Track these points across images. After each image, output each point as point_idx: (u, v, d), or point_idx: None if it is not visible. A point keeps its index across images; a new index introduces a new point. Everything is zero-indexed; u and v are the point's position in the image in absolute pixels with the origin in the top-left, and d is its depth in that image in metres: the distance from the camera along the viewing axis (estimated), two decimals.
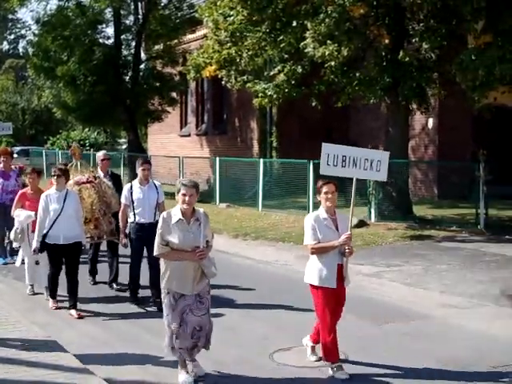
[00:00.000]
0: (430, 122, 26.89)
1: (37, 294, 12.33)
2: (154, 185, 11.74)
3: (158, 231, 7.63)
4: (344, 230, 8.10)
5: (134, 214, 11.48)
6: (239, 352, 8.94)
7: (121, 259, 12.94)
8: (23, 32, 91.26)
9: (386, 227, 19.78)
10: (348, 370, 8.04)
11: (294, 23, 19.50)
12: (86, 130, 54.07)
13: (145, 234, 11.18)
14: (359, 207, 22.18)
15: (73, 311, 10.87)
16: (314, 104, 21.11)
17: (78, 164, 12.92)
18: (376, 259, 15.78)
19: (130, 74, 35.82)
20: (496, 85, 17.78)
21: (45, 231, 10.82)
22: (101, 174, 12.98)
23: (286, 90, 20.52)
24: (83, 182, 12.12)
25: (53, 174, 10.97)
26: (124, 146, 51.63)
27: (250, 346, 9.20)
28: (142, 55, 36.67)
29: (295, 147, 28.99)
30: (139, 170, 11.64)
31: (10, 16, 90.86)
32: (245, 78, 22.18)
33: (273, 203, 24.48)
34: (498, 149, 24.53)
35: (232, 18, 20.77)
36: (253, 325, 10.36)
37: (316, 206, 24.28)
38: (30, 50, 37.77)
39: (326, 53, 18.39)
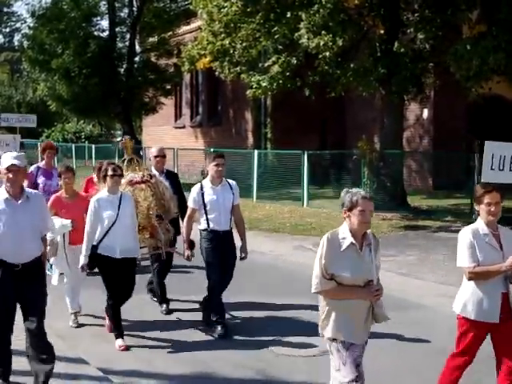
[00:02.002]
0: (425, 112, 26.88)
1: (84, 325, 9.91)
2: (229, 184, 9.65)
3: (320, 260, 5.75)
4: (510, 249, 6.34)
5: (207, 220, 9.42)
6: (238, 342, 8.97)
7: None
8: (18, 25, 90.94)
9: (380, 218, 19.78)
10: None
11: (289, 14, 19.44)
12: (81, 122, 53.99)
13: (219, 243, 9.39)
14: None
15: (119, 341, 8.88)
16: (308, 95, 21.09)
17: (128, 160, 10.76)
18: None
19: (124, 66, 35.88)
20: (490, 75, 17.78)
21: (95, 242, 8.84)
22: (155, 172, 10.61)
23: (281, 82, 20.50)
24: (137, 182, 9.84)
25: (111, 173, 8.85)
26: (119, 139, 51.55)
27: (249, 336, 9.23)
28: (137, 47, 36.71)
29: (289, 138, 28.97)
30: (211, 167, 9.48)
31: (5, 9, 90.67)
32: (238, 69, 22.15)
33: (267, 194, 24.48)
34: (493, 139, 24.51)
35: (226, 9, 20.73)
36: (250, 315, 10.39)
37: (311, 196, 24.44)
38: (25, 43, 37.73)
39: (321, 43, 18.36)
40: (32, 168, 13.15)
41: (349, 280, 5.73)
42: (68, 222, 9.52)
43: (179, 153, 30.71)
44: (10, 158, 6.88)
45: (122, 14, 36.82)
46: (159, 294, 10.72)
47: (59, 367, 7.50)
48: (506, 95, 25.92)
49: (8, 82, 67.89)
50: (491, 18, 18.04)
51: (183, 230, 9.69)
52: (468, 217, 19.66)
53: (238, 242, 9.74)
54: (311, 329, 8.34)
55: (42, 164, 13.38)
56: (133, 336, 9.23)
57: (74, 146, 43.25)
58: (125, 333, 9.04)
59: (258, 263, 14.89)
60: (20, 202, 6.82)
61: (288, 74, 20.53)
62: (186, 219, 9.62)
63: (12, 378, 7.13)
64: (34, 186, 12.54)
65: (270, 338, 9.07)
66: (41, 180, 13.05)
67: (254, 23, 20.57)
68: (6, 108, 63.89)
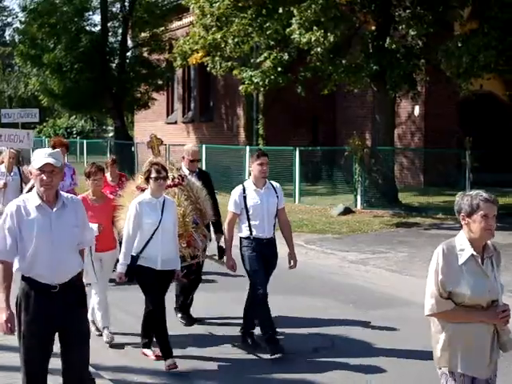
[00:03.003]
0: (417, 109, 26.93)
1: (120, 344, 8.97)
2: (272, 186, 8.69)
3: (436, 276, 4.90)
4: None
5: (250, 227, 8.50)
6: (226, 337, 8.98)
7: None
8: (10, 20, 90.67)
9: (371, 214, 19.85)
10: (333, 356, 8.08)
11: (280, 9, 19.45)
12: (73, 117, 53.90)
13: (262, 251, 8.50)
14: (345, 194, 22.29)
15: (147, 350, 8.41)
16: (299, 91, 21.11)
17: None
18: (361, 246, 15.82)
19: (116, 61, 35.79)
20: (480, 72, 17.84)
21: (134, 252, 7.98)
22: (185, 171, 9.68)
23: (273, 77, 20.51)
24: (169, 186, 8.71)
25: (155, 175, 7.94)
26: (111, 134, 51.48)
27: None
28: (129, 42, 36.62)
29: (281, 135, 29.01)
30: (254, 166, 8.52)
31: None
32: (229, 64, 22.15)
33: None
34: (484, 136, 24.60)
35: (218, 3, 20.71)
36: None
37: (303, 193, 24.42)
38: (17, 38, 37.64)
39: (312, 39, 18.37)
40: None
41: (470, 299, 4.81)
42: (95, 226, 8.43)
43: (171, 149, 30.67)
44: (43, 155, 5.65)
45: (114, 9, 36.66)
46: (184, 304, 9.83)
47: (50, 363, 7.49)
48: (497, 92, 26.02)
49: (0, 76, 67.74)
50: (482, 15, 18.10)
51: (225, 236, 8.75)
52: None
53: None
54: (308, 324, 8.38)
55: None
56: (126, 334, 9.23)
57: None
58: (118, 330, 9.04)
59: None
60: (55, 209, 5.62)
61: (280, 69, 20.54)
62: (226, 225, 8.69)
63: None
64: None
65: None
66: None
67: (246, 18, 20.57)
68: None
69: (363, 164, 21.11)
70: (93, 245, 8.15)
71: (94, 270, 8.81)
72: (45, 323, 5.60)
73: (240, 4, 20.34)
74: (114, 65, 35.94)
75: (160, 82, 36.00)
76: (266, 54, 20.82)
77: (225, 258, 8.86)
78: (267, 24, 20.00)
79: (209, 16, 21.30)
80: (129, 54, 36.94)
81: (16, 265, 5.64)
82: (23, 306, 5.63)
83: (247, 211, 8.49)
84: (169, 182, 8.62)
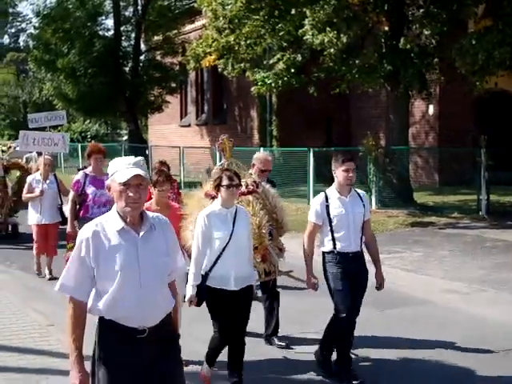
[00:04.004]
0: (431, 108, 26.86)
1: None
2: (358, 194, 7.70)
3: None
4: None
5: (333, 240, 7.51)
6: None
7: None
8: (24, 26, 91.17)
9: (386, 214, 19.79)
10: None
11: (293, 11, 19.45)
12: (87, 121, 54.11)
13: (347, 269, 7.48)
14: None
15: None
16: (312, 92, 21.09)
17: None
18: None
19: (129, 65, 35.96)
20: (495, 69, 17.77)
21: (203, 271, 6.98)
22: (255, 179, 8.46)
23: (286, 78, 20.52)
24: (242, 193, 7.80)
25: (227, 182, 6.92)
26: (125, 138, 51.64)
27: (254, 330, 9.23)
28: (142, 46, 36.81)
29: (295, 136, 28.99)
30: (339, 172, 7.50)
31: (11, 10, 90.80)
32: (242, 65, 22.18)
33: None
34: (499, 134, 24.51)
35: (230, 5, 20.75)
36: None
37: (317, 194, 24.25)
38: (31, 44, 37.84)
39: (325, 40, 18.37)
40: (79, 176, 11.21)
41: None
42: None
43: (185, 151, 30.74)
44: (126, 165, 4.49)
45: (126, 13, 36.90)
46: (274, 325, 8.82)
47: (57, 362, 7.53)
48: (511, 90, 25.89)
49: (14, 82, 68.18)
50: (497, 12, 18.03)
51: (305, 251, 7.66)
52: (475, 212, 19.67)
53: None
54: (323, 323, 8.34)
55: (89, 170, 11.14)
56: None
57: (80, 145, 43.28)
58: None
59: None
60: (142, 233, 4.48)
61: (293, 70, 20.55)
62: (306, 238, 7.64)
63: None
64: (84, 197, 10.95)
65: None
66: (90, 190, 10.93)
67: (259, 20, 20.59)
68: (12, 108, 64.18)
69: (378, 164, 21.07)
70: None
71: None
72: (131, 376, 4.46)
73: (252, 6, 20.36)
74: (128, 68, 36.11)
75: (173, 85, 36.13)
76: (279, 56, 20.84)
77: (304, 275, 7.76)
78: (280, 25, 20.02)
79: (221, 19, 21.34)
80: (142, 57, 37.10)
81: (92, 305, 4.51)
82: (101, 358, 4.47)
83: (330, 222, 7.51)
84: (242, 189, 7.66)
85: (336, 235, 7.48)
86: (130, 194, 4.40)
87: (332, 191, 7.61)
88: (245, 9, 20.55)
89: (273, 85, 20.80)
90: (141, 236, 4.47)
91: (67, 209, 11.35)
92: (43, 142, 13.29)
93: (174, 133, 39.56)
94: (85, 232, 4.47)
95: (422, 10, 19.56)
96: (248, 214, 7.37)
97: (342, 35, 18.46)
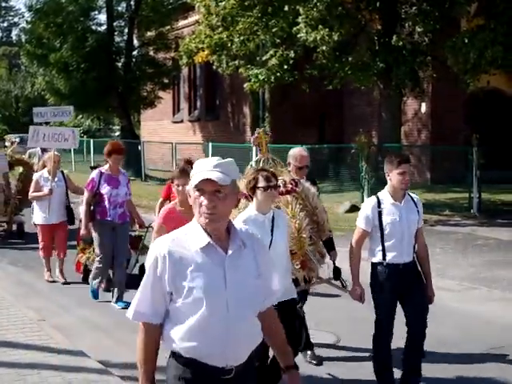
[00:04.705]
0: (423, 106, 26.90)
1: (84, 318, 9.63)
2: (412, 199, 7.04)
3: None
4: None
5: (384, 250, 6.87)
6: None
7: None
8: (16, 20, 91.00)
9: None
10: (340, 352, 8.09)
11: (286, 8, 19.47)
12: (79, 116, 53.99)
13: (399, 281, 6.86)
14: (352, 192, 22.27)
15: None
16: (305, 89, 21.11)
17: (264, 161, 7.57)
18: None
19: (122, 60, 35.92)
20: (487, 68, 17.83)
21: None
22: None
23: (278, 74, 20.53)
24: (281, 193, 6.95)
25: (264, 184, 6.17)
26: (117, 133, 51.58)
27: None
28: (135, 42, 36.73)
29: (288, 133, 28.97)
30: (394, 175, 6.90)
31: (3, 4, 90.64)
32: (236, 62, 22.18)
33: None
34: (491, 133, 24.57)
35: (224, 2, 20.75)
36: None
37: None
38: (23, 38, 37.74)
39: (318, 37, 18.39)
40: (93, 174, 10.57)
41: None
42: None
43: (177, 147, 30.73)
44: (206, 167, 3.64)
45: (119, 8, 36.85)
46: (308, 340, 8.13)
47: (59, 360, 7.55)
48: (504, 88, 25.98)
49: (6, 76, 67.97)
50: (489, 11, 18.09)
51: (351, 259, 7.10)
52: (466, 210, 19.72)
53: None
54: (318, 321, 8.37)
55: (105, 168, 10.58)
56: (133, 329, 9.26)
57: None
58: (125, 324, 9.07)
59: None
60: (230, 252, 3.69)
61: (286, 67, 20.56)
62: (353, 245, 7.05)
63: None
64: (99, 197, 10.40)
65: None
66: (105, 190, 10.38)
67: (252, 17, 20.60)
68: (4, 103, 64.00)
69: (370, 161, 21.09)
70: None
71: None
72: None
73: (246, 3, 20.36)
74: (120, 64, 36.08)
75: (166, 81, 36.10)
76: (271, 52, 20.85)
77: (349, 285, 7.25)
78: (273, 21, 20.04)
79: (214, 16, 21.33)
80: (135, 52, 37.06)
81: (165, 336, 3.82)
82: None
83: (382, 230, 6.85)
84: (280, 188, 6.90)
85: (387, 244, 6.83)
86: (203, 203, 3.60)
87: (385, 195, 6.93)
88: (238, 6, 20.55)
89: (265, 80, 20.79)
90: (229, 255, 3.67)
91: (82, 210, 10.76)
92: (53, 138, 12.78)
93: (166, 128, 39.53)
94: (159, 248, 3.69)
95: (414, 8, 19.61)
96: (286, 216, 6.75)
97: (334, 33, 18.49)
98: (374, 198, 6.99)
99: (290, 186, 7.13)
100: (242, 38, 20.90)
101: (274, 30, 20.07)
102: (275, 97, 29.84)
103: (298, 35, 19.04)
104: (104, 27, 36.21)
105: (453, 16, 19.32)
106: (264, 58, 21.52)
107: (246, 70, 21.66)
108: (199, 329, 3.64)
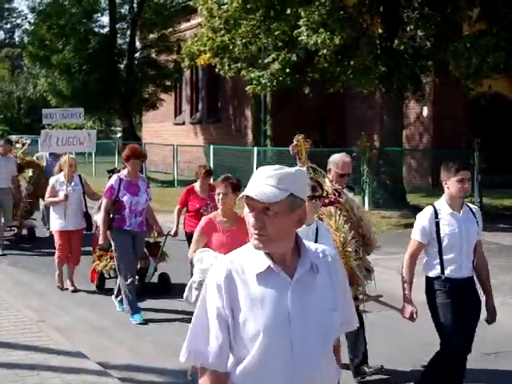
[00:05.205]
0: (425, 110, 26.90)
1: (84, 319, 9.81)
2: (470, 209, 6.56)
3: None
4: None
5: (442, 264, 6.38)
6: None
7: None
8: (19, 21, 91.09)
9: (379, 215, 19.80)
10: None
11: (288, 11, 19.49)
12: (81, 118, 54.06)
13: (456, 297, 6.35)
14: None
15: None
16: (307, 92, 21.12)
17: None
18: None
19: (124, 62, 35.92)
20: (489, 73, 17.83)
21: None
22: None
23: (281, 78, 20.53)
24: (323, 204, 6.54)
25: (309, 193, 5.55)
26: (119, 135, 51.57)
27: None
28: (137, 44, 36.77)
29: (289, 136, 28.79)
30: (452, 182, 6.36)
31: (6, 5, 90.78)
32: (238, 65, 22.20)
33: None
34: (492, 137, 24.56)
35: (226, 5, 20.78)
36: None
37: None
38: (26, 39, 37.78)
39: (319, 41, 18.40)
40: (112, 180, 9.98)
41: None
42: None
43: (179, 149, 30.76)
44: (260, 178, 3.09)
45: (122, 11, 36.94)
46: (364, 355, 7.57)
47: (58, 361, 7.54)
48: (505, 93, 25.98)
49: (8, 77, 68.04)
50: (491, 16, 18.10)
51: (404, 273, 6.52)
52: None
53: None
54: None
55: (124, 174, 9.99)
56: (133, 331, 9.27)
57: None
58: (124, 326, 9.08)
59: None
60: (297, 276, 3.07)
61: (288, 70, 20.56)
62: (408, 258, 6.53)
63: None
64: (118, 205, 9.82)
65: None
66: (125, 198, 9.80)
67: (254, 20, 20.61)
68: (6, 104, 64.03)
69: (371, 165, 21.09)
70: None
71: None
72: None
73: (248, 6, 20.38)
74: (123, 66, 36.08)
75: (168, 83, 36.12)
76: (274, 55, 20.85)
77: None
78: (275, 25, 20.05)
79: (217, 18, 21.36)
80: (137, 55, 37.10)
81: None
82: None
83: (439, 242, 6.36)
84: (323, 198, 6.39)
85: (445, 257, 6.35)
86: (250, 221, 3.04)
87: (442, 205, 6.43)
88: (241, 9, 20.58)
89: (268, 84, 20.80)
90: (295, 280, 3.05)
91: (99, 218, 10.29)
92: (67, 142, 12.10)
93: (168, 131, 39.53)
94: (216, 274, 3.11)
95: (416, 12, 19.62)
96: (330, 231, 6.34)
97: (335, 36, 18.49)
98: (430, 208, 6.45)
99: (333, 196, 6.70)
100: (244, 40, 20.91)
101: (276, 33, 20.08)
102: (277, 100, 29.84)
103: (299, 38, 19.05)
104: (106, 29, 36.31)
105: (455, 21, 19.33)
106: (266, 61, 21.53)
107: (247, 72, 21.67)
108: (258, 369, 3.02)
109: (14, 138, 20.73)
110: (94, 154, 38.23)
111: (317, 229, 5.97)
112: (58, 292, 11.52)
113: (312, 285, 3.07)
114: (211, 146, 28.20)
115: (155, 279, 11.08)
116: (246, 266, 3.07)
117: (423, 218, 6.42)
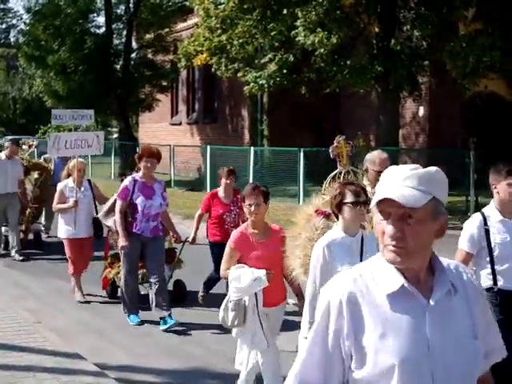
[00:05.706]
0: (421, 110, 26.90)
1: (81, 321, 9.67)
2: None
3: None
4: None
5: (494, 274, 5.93)
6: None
7: None
8: (14, 21, 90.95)
9: None
10: None
11: (285, 11, 19.51)
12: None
13: (509, 311, 5.81)
14: None
15: None
16: (303, 92, 21.14)
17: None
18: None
19: (121, 62, 35.90)
20: (485, 72, 17.87)
21: None
22: (367, 188, 6.37)
23: (278, 79, 20.55)
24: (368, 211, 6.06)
25: (352, 199, 5.39)
26: (115, 135, 51.53)
27: None
28: (133, 44, 36.72)
29: (286, 136, 29.00)
30: (502, 186, 5.92)
31: (1, 5, 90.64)
32: (235, 65, 22.21)
33: None
34: (488, 136, 24.57)
35: (223, 5, 20.79)
36: None
37: (307, 193, 24.35)
38: (21, 40, 37.71)
39: (316, 40, 18.43)
40: (127, 181, 9.58)
41: None
42: (261, 272, 6.12)
43: (175, 150, 30.75)
44: (392, 179, 2.57)
45: (118, 11, 36.88)
46: None
47: (55, 362, 7.53)
48: (501, 93, 25.98)
49: (4, 78, 67.95)
50: (487, 15, 18.13)
51: None
52: (464, 214, 19.70)
53: None
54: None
55: (139, 175, 9.59)
56: (129, 332, 9.26)
57: None
58: (121, 327, 9.07)
59: None
60: (434, 300, 2.56)
61: (285, 71, 20.58)
62: None
63: None
64: (132, 208, 9.46)
65: None
66: (139, 200, 9.40)
67: (251, 20, 20.63)
68: (1, 104, 63.98)
69: None
70: (260, 297, 6.26)
71: (263, 330, 6.26)
72: None
73: (245, 6, 20.39)
74: (119, 66, 36.06)
75: (164, 84, 36.09)
76: (270, 56, 20.87)
77: None
78: (271, 25, 20.07)
79: (214, 18, 21.36)
80: (133, 55, 37.06)
81: None
82: None
83: (490, 251, 5.90)
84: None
85: (498, 268, 5.87)
86: (386, 230, 2.53)
87: (491, 211, 5.98)
88: (237, 9, 20.59)
89: (265, 85, 20.82)
90: (432, 303, 2.55)
91: (110, 222, 9.94)
92: (76, 145, 11.46)
93: (164, 131, 39.50)
94: (334, 291, 2.62)
95: (412, 12, 19.66)
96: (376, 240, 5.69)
97: (332, 36, 18.52)
98: (478, 215, 6.02)
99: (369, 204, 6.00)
100: (240, 40, 20.93)
101: (272, 33, 20.11)
102: (273, 100, 29.84)
103: (296, 38, 19.07)
104: (102, 29, 36.26)
105: (451, 20, 19.36)
106: (263, 62, 21.55)
107: (244, 72, 21.68)
108: None
109: (23, 139, 20.21)
110: (89, 156, 38.32)
111: (362, 239, 5.45)
112: (54, 294, 11.51)
113: (450, 308, 2.58)
114: (208, 146, 28.20)
115: (170, 286, 10.68)
116: (371, 285, 2.58)
117: (471, 227, 6.00)
